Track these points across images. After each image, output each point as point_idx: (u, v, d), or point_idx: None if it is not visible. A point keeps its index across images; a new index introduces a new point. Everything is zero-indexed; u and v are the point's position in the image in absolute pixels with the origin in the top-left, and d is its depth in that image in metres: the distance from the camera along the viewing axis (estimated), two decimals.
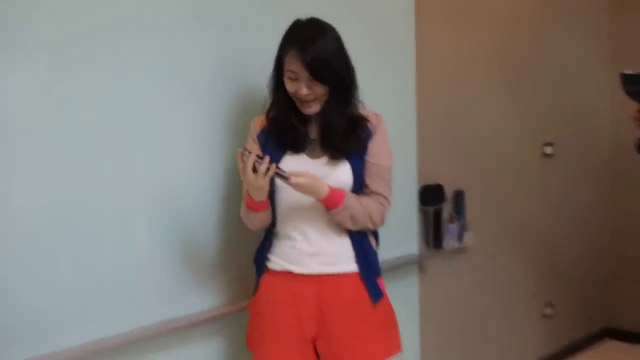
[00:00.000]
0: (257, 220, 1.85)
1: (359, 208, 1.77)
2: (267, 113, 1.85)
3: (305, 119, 1.80)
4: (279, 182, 1.77)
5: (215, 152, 2.01)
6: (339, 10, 2.17)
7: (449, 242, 2.75)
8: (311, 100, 1.73)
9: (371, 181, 1.80)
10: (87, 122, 1.77)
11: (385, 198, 1.81)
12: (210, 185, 2.02)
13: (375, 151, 1.80)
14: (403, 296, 2.47)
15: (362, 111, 1.84)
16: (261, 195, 1.71)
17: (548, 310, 3.39)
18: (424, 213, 2.66)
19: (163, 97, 1.92)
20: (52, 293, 1.69)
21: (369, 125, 1.81)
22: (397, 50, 2.58)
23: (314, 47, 1.67)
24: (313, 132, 1.82)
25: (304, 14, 1.78)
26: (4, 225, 1.60)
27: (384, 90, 2.29)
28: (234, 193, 2.01)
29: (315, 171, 1.77)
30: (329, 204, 1.76)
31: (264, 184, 1.67)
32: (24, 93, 1.65)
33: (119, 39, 1.80)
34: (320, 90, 1.71)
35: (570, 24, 3.49)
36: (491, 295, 3.12)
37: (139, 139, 1.86)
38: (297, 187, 1.73)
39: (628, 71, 2.14)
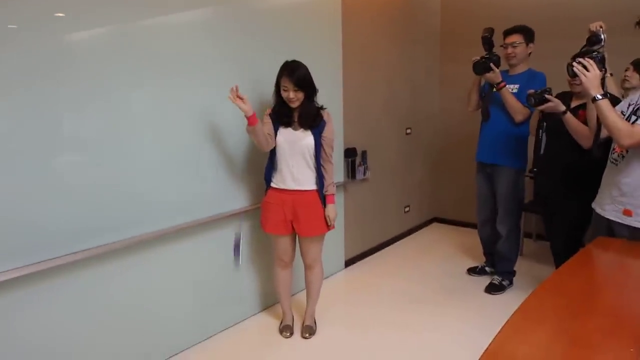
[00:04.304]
0: (259, 133, 2.07)
1: (333, 180, 2.22)
2: (273, 108, 2.26)
3: (291, 110, 2.20)
4: (278, 141, 2.08)
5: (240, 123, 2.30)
6: (297, 46, 2.74)
7: (359, 176, 3.58)
8: (295, 100, 2.14)
9: (327, 148, 2.27)
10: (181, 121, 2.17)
11: (331, 161, 2.27)
12: (239, 139, 2.47)
13: (328, 132, 2.27)
14: (337, 203, 2.78)
15: (321, 111, 2.25)
16: (247, 114, 2.02)
17: (407, 209, 4.48)
18: (346, 162, 3.46)
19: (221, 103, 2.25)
20: (165, 200, 2.15)
21: (324, 118, 2.24)
22: (329, 74, 3.08)
23: (297, 72, 2.13)
24: (295, 116, 2.24)
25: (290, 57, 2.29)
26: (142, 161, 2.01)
27: (326, 101, 2.44)
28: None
29: (295, 137, 2.14)
30: (331, 201, 2.21)
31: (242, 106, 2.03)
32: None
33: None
34: (300, 94, 2.14)
35: (424, 69, 4.48)
36: (379, 202, 4.03)
37: (206, 118, 2.25)
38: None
39: (531, 90, 2.34)
